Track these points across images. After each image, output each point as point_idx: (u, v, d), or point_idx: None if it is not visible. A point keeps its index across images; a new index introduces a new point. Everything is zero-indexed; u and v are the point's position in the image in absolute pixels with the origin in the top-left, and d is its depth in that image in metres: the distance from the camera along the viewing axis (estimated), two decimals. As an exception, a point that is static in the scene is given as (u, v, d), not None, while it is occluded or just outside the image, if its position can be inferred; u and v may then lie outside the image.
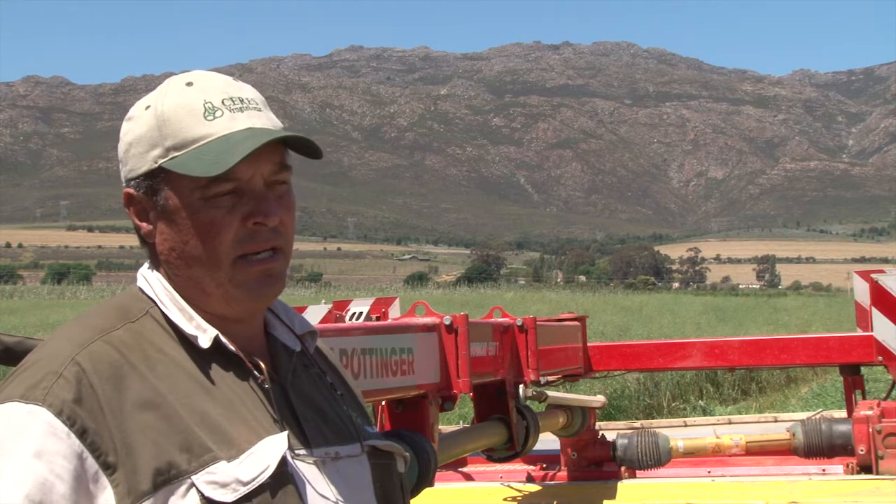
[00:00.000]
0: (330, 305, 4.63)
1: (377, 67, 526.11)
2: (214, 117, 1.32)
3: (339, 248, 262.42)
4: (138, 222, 1.37)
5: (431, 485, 2.34)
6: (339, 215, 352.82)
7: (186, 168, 1.29)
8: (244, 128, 1.32)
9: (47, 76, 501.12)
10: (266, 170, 1.33)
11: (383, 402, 2.97)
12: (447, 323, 2.93)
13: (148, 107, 1.35)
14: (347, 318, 4.47)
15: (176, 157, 1.31)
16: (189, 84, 1.35)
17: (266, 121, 1.35)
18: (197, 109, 1.32)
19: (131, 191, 1.35)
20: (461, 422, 7.80)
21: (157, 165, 1.32)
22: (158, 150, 1.32)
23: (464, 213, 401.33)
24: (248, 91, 1.37)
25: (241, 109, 1.33)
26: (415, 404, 2.78)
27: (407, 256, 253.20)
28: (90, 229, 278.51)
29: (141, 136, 1.33)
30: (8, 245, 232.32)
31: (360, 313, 4.51)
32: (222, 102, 1.33)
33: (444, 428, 3.83)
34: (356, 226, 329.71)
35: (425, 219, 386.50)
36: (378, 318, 4.32)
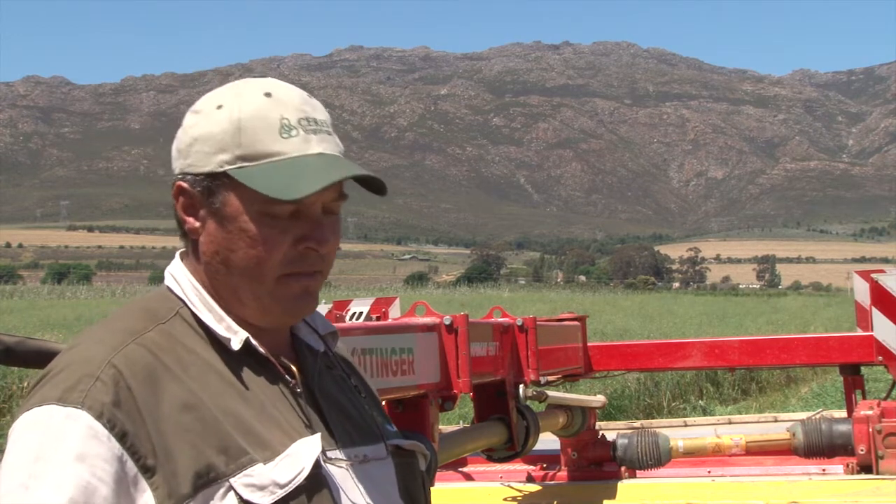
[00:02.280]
0: (330, 305, 4.63)
1: (377, 67, 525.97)
2: (290, 136, 1.30)
3: (339, 248, 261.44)
4: (185, 217, 1.34)
5: (431, 485, 2.39)
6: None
7: (256, 184, 1.27)
8: (316, 152, 1.31)
9: (47, 76, 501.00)
10: (327, 197, 1.33)
11: (383, 402, 2.97)
12: (447, 323, 2.93)
13: (220, 106, 1.32)
14: (347, 317, 4.47)
15: (245, 167, 1.29)
16: (268, 95, 1.32)
17: (335, 146, 1.34)
18: (273, 124, 1.30)
19: (185, 185, 1.33)
20: (461, 422, 7.79)
21: (222, 170, 1.30)
22: (227, 155, 1.29)
23: (464, 213, 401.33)
24: (321, 112, 1.36)
25: (314, 132, 1.32)
26: (415, 404, 2.78)
27: (407, 256, 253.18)
28: (90, 229, 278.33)
29: (210, 135, 1.31)
30: (8, 245, 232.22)
31: (360, 313, 4.51)
32: (298, 122, 1.31)
33: (444, 428, 3.83)
34: (356, 226, 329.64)
35: (425, 219, 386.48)
36: (378, 318, 4.32)
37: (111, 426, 1.18)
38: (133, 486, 1.18)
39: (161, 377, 1.24)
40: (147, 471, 1.19)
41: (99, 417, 1.17)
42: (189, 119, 1.35)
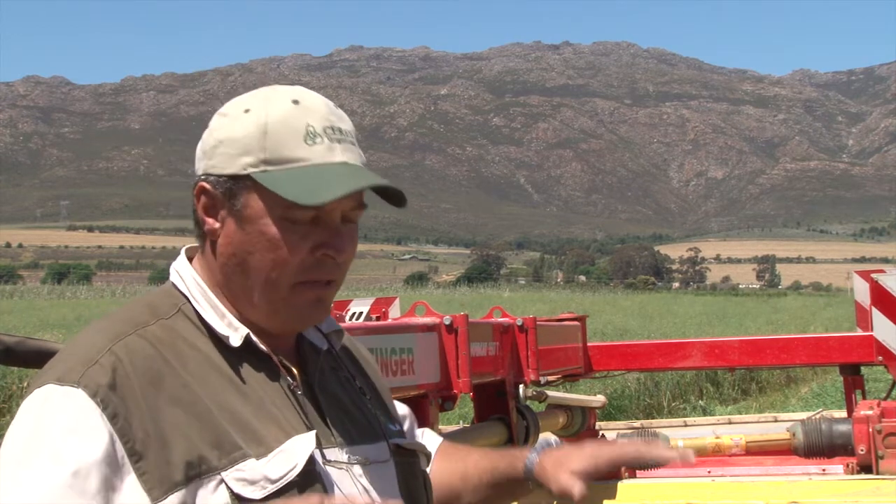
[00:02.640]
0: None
1: (377, 67, 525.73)
2: (314, 143, 1.31)
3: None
4: (205, 217, 1.35)
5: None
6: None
7: (280, 188, 1.28)
8: (339, 161, 1.32)
9: (47, 76, 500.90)
10: (347, 206, 1.34)
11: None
12: (447, 323, 2.93)
13: (248, 110, 1.34)
14: (347, 318, 4.46)
15: (269, 171, 1.30)
16: (296, 102, 1.33)
17: (357, 157, 1.35)
18: (299, 130, 1.31)
19: (208, 186, 1.34)
20: (461, 422, 7.78)
21: (245, 173, 1.31)
22: (251, 158, 1.31)
23: (464, 213, 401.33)
24: (346, 122, 1.37)
25: (339, 141, 1.33)
26: (415, 404, 2.76)
27: (407, 256, 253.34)
28: (90, 229, 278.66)
29: (236, 138, 1.32)
30: (8, 245, 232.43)
31: (360, 313, 4.50)
32: (323, 130, 1.32)
33: (444, 428, 3.83)
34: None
35: (425, 219, 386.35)
36: (378, 318, 4.31)
37: (104, 406, 1.20)
38: (120, 467, 1.20)
39: (160, 369, 1.26)
40: (133, 454, 1.20)
41: (93, 396, 1.20)
42: (215, 121, 1.36)
